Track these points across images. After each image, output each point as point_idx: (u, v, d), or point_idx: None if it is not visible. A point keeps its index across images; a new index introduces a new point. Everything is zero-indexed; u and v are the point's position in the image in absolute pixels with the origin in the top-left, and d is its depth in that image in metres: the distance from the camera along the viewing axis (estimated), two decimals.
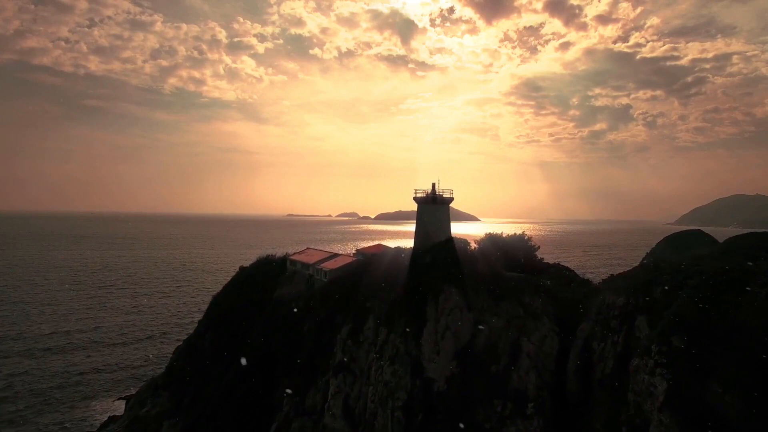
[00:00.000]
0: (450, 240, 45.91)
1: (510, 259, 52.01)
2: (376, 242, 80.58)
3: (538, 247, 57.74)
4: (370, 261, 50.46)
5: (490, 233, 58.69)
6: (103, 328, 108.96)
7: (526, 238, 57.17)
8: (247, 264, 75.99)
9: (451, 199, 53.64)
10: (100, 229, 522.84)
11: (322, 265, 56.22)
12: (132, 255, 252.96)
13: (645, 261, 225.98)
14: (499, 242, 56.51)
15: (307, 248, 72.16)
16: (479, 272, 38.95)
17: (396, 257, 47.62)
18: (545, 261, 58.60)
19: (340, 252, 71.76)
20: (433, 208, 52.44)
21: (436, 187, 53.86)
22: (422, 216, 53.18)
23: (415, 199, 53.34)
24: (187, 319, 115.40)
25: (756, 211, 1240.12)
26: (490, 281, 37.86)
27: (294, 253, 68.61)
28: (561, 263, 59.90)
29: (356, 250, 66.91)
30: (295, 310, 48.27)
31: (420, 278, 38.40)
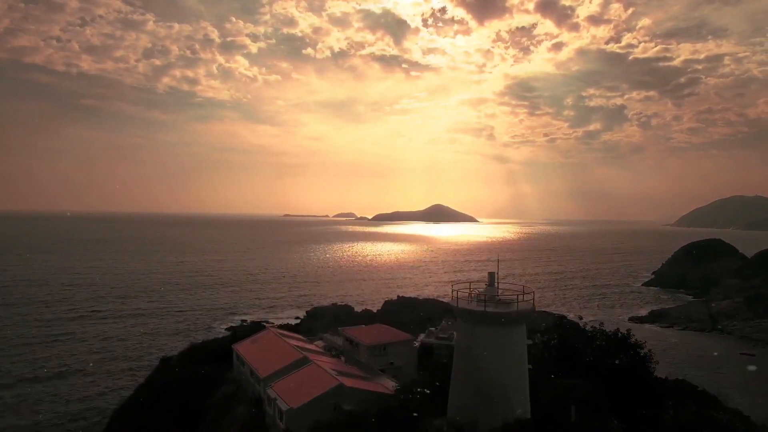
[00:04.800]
0: None
1: (597, 363, 33.84)
2: (363, 322, 49.42)
3: (655, 363, 37.31)
4: (364, 415, 28.60)
5: (563, 318, 39.60)
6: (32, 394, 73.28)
7: (631, 340, 36.85)
8: (187, 339, 56.05)
9: (532, 311, 27.36)
10: (88, 233, 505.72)
11: (278, 387, 33.29)
12: (109, 266, 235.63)
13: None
14: (578, 338, 37.72)
15: (269, 328, 46.87)
16: None
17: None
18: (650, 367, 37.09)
19: (319, 342, 46.46)
20: (496, 335, 25.15)
21: (497, 279, 27.58)
22: (468, 348, 26.23)
23: (454, 309, 27.24)
24: (140, 376, 72.89)
25: (756, 212, 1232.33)
26: None
27: (245, 341, 44.13)
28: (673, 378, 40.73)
29: (341, 330, 45.41)
30: None
31: None
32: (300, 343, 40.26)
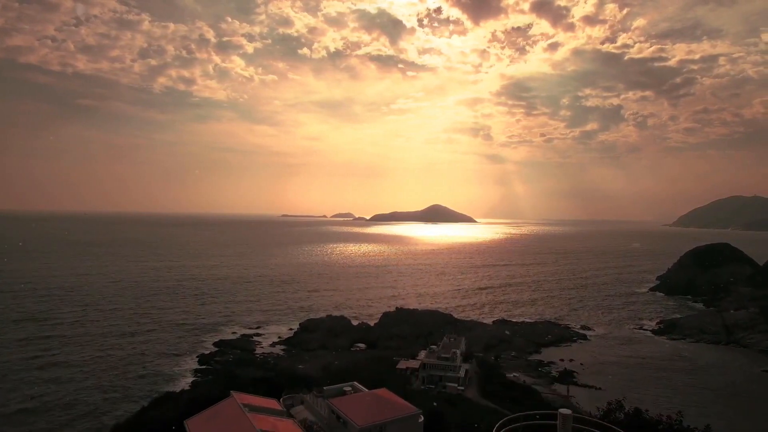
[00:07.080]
0: None
1: None
2: (352, 385, 35.09)
3: None
4: None
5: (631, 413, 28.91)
6: None
7: None
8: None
9: None
10: (83, 234, 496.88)
11: None
12: (101, 272, 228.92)
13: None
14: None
15: (232, 395, 35.08)
16: None
17: None
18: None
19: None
20: None
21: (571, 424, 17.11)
22: None
23: None
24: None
25: (754, 212, 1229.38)
26: None
27: (201, 414, 34.18)
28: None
29: (325, 396, 36.17)
30: None
31: None
32: (270, 421, 31.12)
